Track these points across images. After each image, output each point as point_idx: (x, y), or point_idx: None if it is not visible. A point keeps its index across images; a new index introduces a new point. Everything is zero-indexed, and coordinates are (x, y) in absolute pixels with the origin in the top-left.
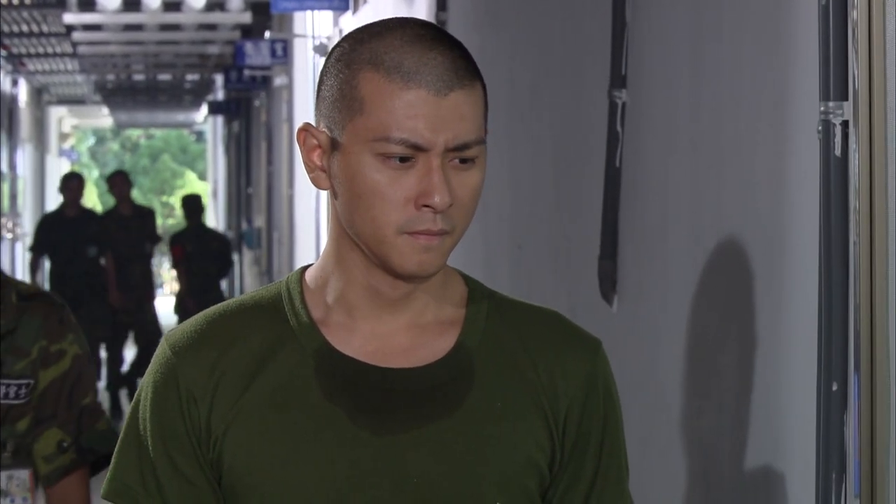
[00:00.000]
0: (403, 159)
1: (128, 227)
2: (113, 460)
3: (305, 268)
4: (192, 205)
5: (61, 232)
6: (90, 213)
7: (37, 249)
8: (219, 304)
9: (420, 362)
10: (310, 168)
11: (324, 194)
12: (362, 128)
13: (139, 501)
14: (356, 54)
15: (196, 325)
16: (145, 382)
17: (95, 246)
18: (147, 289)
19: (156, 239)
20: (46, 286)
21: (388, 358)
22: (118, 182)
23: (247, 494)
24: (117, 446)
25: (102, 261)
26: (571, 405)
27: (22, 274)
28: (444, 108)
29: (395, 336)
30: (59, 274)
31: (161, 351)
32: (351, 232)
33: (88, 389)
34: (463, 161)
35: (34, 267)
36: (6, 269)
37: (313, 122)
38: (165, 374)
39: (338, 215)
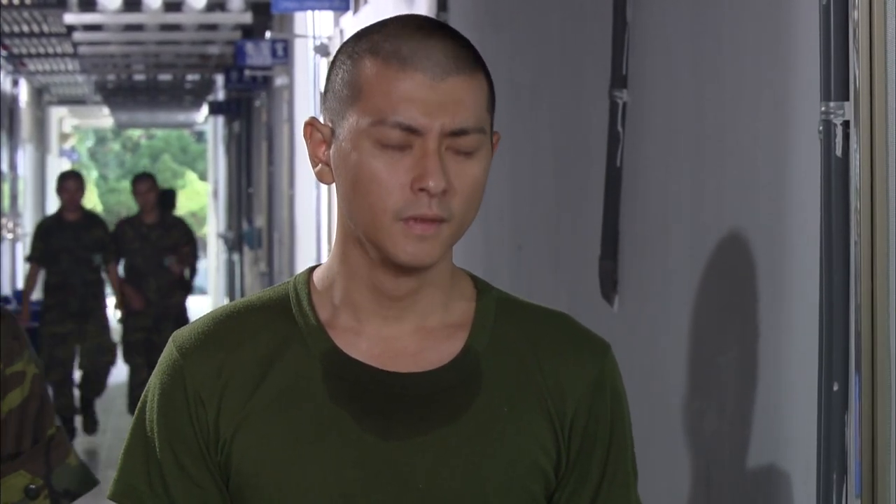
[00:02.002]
0: (400, 143)
1: (146, 238)
2: (120, 461)
3: (313, 268)
4: (167, 199)
5: (61, 238)
6: (93, 217)
7: (35, 259)
8: (226, 305)
9: (427, 366)
10: (314, 162)
11: (324, 195)
12: (360, 114)
13: (145, 502)
14: (358, 46)
15: (203, 326)
16: (152, 384)
17: (100, 253)
18: (162, 308)
19: (184, 252)
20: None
21: (396, 361)
22: (142, 187)
23: (254, 497)
24: (124, 447)
25: (103, 274)
26: (578, 409)
27: (23, 277)
28: (440, 93)
29: (403, 339)
30: (61, 286)
31: (168, 352)
32: (351, 223)
33: (52, 417)
34: (462, 151)
35: (32, 279)
36: (6, 270)
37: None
38: (173, 375)
39: (343, 213)
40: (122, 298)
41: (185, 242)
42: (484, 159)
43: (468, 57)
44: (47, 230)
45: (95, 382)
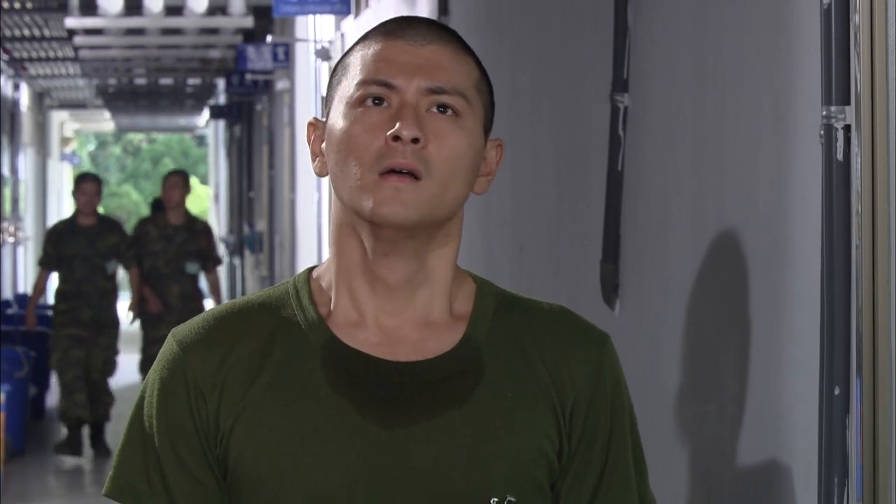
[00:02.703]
0: (380, 102)
1: (171, 240)
2: (116, 458)
3: (313, 268)
4: (158, 205)
5: (74, 244)
6: (109, 222)
7: (45, 265)
8: (226, 303)
9: (428, 355)
10: (314, 158)
11: (325, 199)
12: (346, 88)
13: (143, 500)
14: (353, 46)
15: (203, 322)
16: (151, 379)
17: (115, 261)
18: (184, 316)
19: (209, 259)
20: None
21: (396, 351)
22: (172, 184)
23: (254, 489)
24: (120, 443)
25: (117, 276)
26: (578, 398)
27: (24, 281)
28: (420, 56)
29: (403, 329)
30: (74, 293)
31: (168, 347)
32: (339, 197)
33: None
34: (443, 111)
35: (41, 284)
36: (7, 273)
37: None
38: (173, 369)
39: (336, 204)
40: (137, 301)
41: (210, 251)
42: (469, 130)
43: (453, 37)
44: (60, 235)
45: (100, 401)
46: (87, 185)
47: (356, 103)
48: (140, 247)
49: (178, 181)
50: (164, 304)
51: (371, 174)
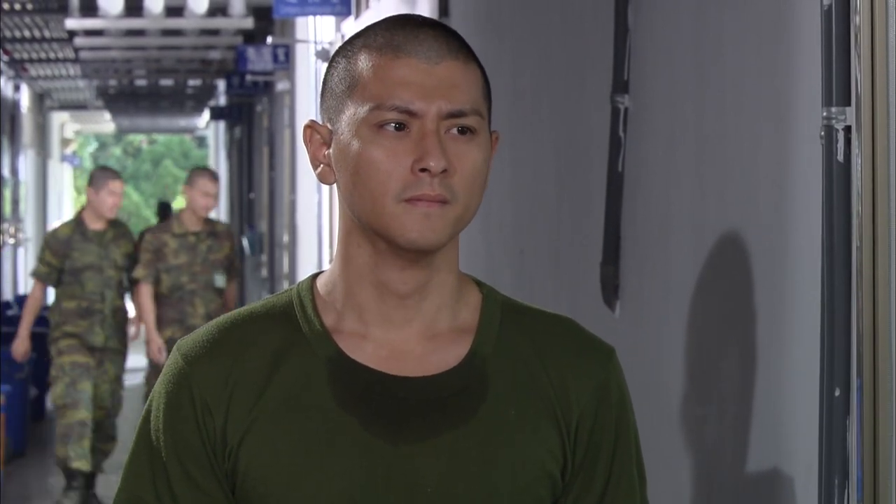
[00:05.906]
0: (399, 127)
1: (194, 249)
2: (124, 471)
3: (317, 275)
4: (163, 209)
5: (86, 253)
6: (120, 226)
7: (46, 278)
8: (230, 313)
9: (434, 370)
10: (315, 164)
11: (326, 200)
12: (359, 103)
13: None
14: (353, 46)
15: (208, 335)
16: (157, 392)
17: (128, 272)
18: None
19: (232, 268)
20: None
21: (402, 366)
22: (199, 181)
23: (262, 503)
24: (128, 457)
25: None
26: (583, 414)
27: (24, 282)
28: (435, 77)
29: (409, 343)
30: (85, 312)
31: (173, 360)
32: (354, 214)
33: None
34: (462, 132)
35: (38, 301)
36: (7, 275)
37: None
38: (178, 383)
39: (346, 212)
40: (139, 318)
41: (234, 258)
42: (483, 145)
43: (459, 45)
44: (66, 242)
45: (99, 447)
46: (118, 183)
47: (373, 127)
48: (157, 263)
49: (206, 178)
50: (187, 328)
51: (396, 202)
